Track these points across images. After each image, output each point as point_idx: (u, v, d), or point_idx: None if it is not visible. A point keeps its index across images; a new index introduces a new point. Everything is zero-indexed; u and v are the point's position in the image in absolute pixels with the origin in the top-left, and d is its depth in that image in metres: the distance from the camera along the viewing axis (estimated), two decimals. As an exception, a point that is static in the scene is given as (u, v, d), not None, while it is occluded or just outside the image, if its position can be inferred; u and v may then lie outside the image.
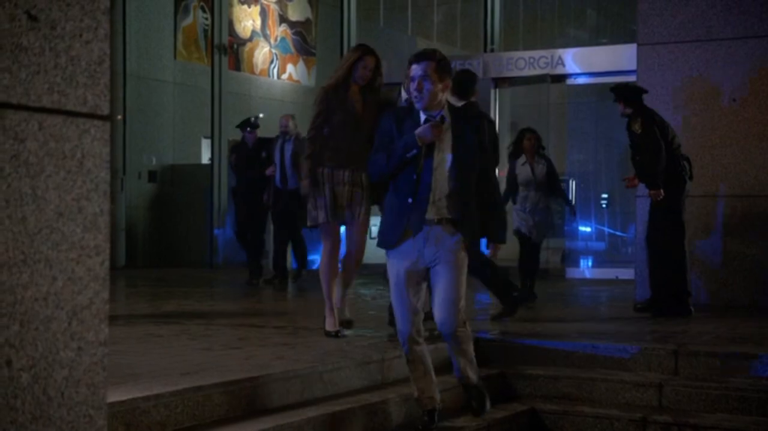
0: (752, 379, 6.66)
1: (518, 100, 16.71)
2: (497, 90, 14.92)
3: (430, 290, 5.74)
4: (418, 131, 5.30)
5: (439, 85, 5.32)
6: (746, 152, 9.57)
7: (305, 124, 7.89)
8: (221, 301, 10.91)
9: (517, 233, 10.74)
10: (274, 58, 19.62)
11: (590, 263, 16.88)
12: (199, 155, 18.55)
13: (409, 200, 5.35)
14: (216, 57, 17.98)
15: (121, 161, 16.76)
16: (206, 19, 18.27)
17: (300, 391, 5.77)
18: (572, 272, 14.81)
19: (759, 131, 10.03)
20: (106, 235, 3.01)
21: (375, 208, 7.01)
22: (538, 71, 14.11)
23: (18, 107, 2.74)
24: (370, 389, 6.20)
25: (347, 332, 7.37)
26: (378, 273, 11.59)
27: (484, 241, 6.17)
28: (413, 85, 5.32)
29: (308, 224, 7.36)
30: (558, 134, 19.96)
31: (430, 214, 5.37)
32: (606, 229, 20.04)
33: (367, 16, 19.27)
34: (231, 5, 18.51)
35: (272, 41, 19.56)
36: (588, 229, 18.77)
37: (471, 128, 5.47)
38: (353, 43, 16.11)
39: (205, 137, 18.11)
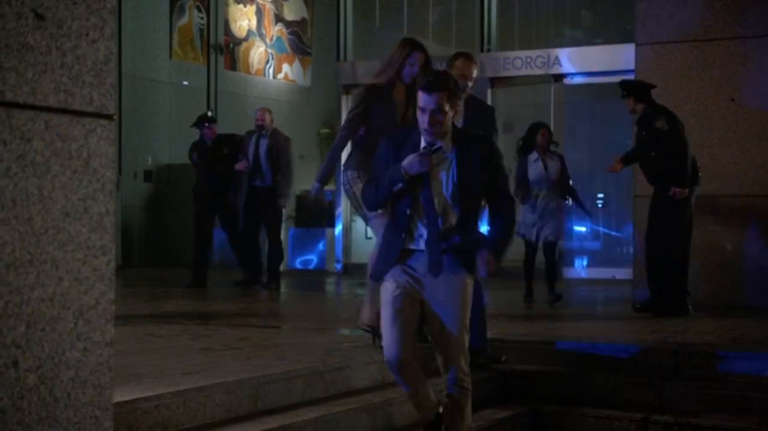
0: (753, 379, 6.66)
1: (514, 100, 16.70)
2: (494, 90, 14.90)
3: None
4: (405, 162, 4.84)
5: (450, 114, 4.88)
6: (745, 151, 9.57)
7: (301, 124, 7.78)
8: (219, 301, 10.89)
9: (522, 236, 10.33)
10: (270, 58, 19.60)
11: (586, 263, 16.88)
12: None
13: (402, 236, 4.95)
14: (212, 57, 17.96)
15: (116, 161, 16.74)
16: (202, 18, 18.24)
17: (302, 391, 5.76)
18: (569, 272, 14.80)
19: (757, 131, 10.03)
20: (112, 235, 3.00)
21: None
22: (535, 71, 14.11)
23: (24, 106, 2.73)
24: (372, 389, 6.18)
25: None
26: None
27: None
28: (425, 119, 4.81)
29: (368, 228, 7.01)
30: (554, 134, 19.94)
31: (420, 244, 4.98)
32: (601, 229, 20.04)
33: (363, 15, 19.25)
34: (227, 5, 18.49)
35: (268, 41, 19.54)
36: (583, 229, 18.76)
37: (480, 154, 4.98)
38: (349, 43, 16.11)
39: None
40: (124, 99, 16.94)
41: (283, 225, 18.13)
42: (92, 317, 2.94)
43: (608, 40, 18.56)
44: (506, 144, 17.41)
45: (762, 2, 10.19)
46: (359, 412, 5.70)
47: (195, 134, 18.06)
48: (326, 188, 7.96)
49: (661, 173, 9.29)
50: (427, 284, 4.96)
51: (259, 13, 19.29)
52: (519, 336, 7.56)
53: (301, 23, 20.16)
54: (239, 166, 12.28)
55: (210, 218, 12.53)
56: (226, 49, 18.50)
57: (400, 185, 4.86)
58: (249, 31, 19.13)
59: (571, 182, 10.66)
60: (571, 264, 15.77)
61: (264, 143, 12.29)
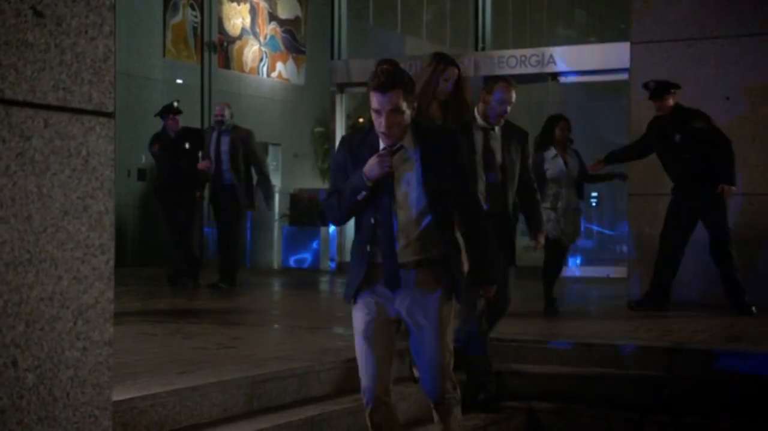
0: (749, 378, 6.66)
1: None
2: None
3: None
4: (366, 167, 4.38)
5: (408, 112, 4.39)
6: (739, 150, 9.55)
7: (295, 122, 7.69)
8: (213, 299, 10.87)
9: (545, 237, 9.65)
10: (264, 56, 19.58)
11: (580, 262, 16.88)
12: (188, 153, 18.46)
13: (368, 248, 4.47)
14: (205, 55, 17.93)
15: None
16: (195, 16, 18.22)
17: (297, 390, 5.75)
18: (564, 271, 14.78)
19: (752, 130, 10.04)
20: (111, 233, 2.99)
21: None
22: (529, 70, 14.10)
23: (23, 104, 2.72)
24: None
25: None
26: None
27: None
28: (381, 121, 4.34)
29: None
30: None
31: (403, 257, 4.45)
32: (594, 227, 20.07)
33: (356, 14, 19.24)
34: (220, 3, 18.47)
35: (262, 39, 19.52)
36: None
37: (444, 149, 4.53)
38: (343, 42, 16.09)
39: (195, 136, 18.02)
40: (117, 97, 16.90)
41: (276, 224, 18.17)
42: (91, 317, 2.92)
43: (602, 39, 18.59)
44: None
45: (756, 1, 10.19)
46: (355, 411, 5.69)
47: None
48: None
49: (702, 173, 9.19)
50: (400, 301, 4.51)
51: (253, 11, 19.27)
52: (514, 335, 7.55)
53: (294, 22, 20.14)
54: (202, 165, 11.70)
55: (179, 209, 11.89)
56: (220, 48, 18.48)
57: (363, 192, 4.40)
58: (243, 30, 19.11)
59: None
60: (566, 263, 15.75)
61: (225, 141, 11.67)
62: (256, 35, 19.36)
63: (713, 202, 9.23)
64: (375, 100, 4.34)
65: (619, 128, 14.72)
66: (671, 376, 6.82)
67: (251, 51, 19.29)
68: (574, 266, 15.71)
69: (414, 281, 4.46)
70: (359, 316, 4.56)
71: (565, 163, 9.54)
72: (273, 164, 19.80)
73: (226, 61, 18.72)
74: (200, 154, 11.82)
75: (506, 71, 14.10)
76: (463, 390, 6.04)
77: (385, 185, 4.41)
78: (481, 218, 4.69)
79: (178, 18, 18.05)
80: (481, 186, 6.38)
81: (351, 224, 4.66)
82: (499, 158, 6.48)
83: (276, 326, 8.62)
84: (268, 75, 19.77)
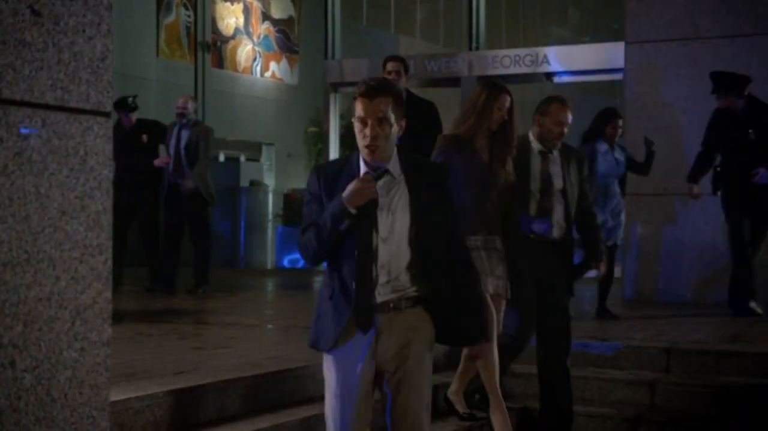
0: (744, 378, 6.66)
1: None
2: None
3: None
4: (345, 193, 3.83)
5: (396, 128, 3.90)
6: (734, 150, 9.54)
7: (289, 122, 7.60)
8: (208, 299, 10.85)
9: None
10: (257, 56, 19.56)
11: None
12: (182, 153, 18.45)
13: (353, 286, 3.89)
14: (199, 55, 17.91)
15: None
16: (189, 16, 18.20)
17: (293, 391, 5.74)
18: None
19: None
20: (109, 233, 2.98)
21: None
22: (523, 69, 14.09)
23: (21, 104, 2.71)
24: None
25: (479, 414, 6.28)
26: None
27: None
28: (365, 133, 3.86)
29: None
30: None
31: (384, 296, 3.90)
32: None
33: (350, 14, 19.24)
34: (214, 3, 18.45)
35: (255, 39, 19.50)
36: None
37: (434, 183, 4.05)
38: (337, 41, 16.04)
39: (188, 135, 18.01)
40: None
41: (270, 224, 18.14)
42: (89, 317, 2.91)
43: (595, 39, 18.61)
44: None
45: (750, 1, 10.20)
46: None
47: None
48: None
49: None
50: (382, 350, 3.94)
51: (247, 11, 19.25)
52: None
53: (288, 21, 20.13)
54: (158, 161, 11.10)
55: (140, 220, 11.30)
56: (213, 47, 18.46)
57: (345, 222, 3.85)
58: (236, 29, 19.09)
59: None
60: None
61: (185, 135, 10.91)
62: (249, 35, 19.34)
63: None
64: (360, 107, 3.87)
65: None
66: (667, 376, 6.83)
67: (245, 51, 19.27)
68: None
69: (397, 324, 3.92)
70: (336, 371, 3.97)
71: (616, 159, 9.03)
72: (267, 163, 19.79)
73: (220, 61, 18.70)
74: (163, 148, 11.22)
75: (500, 71, 14.09)
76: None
77: (368, 213, 3.87)
78: (472, 275, 4.14)
79: (172, 18, 18.03)
80: (535, 212, 6.04)
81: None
82: (559, 183, 6.08)
83: (270, 326, 8.61)
84: (262, 75, 19.75)
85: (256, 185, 17.78)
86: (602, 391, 6.79)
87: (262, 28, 19.63)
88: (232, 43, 18.96)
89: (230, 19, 18.90)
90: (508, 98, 5.86)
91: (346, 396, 3.97)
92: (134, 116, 11.44)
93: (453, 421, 6.27)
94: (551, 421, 6.30)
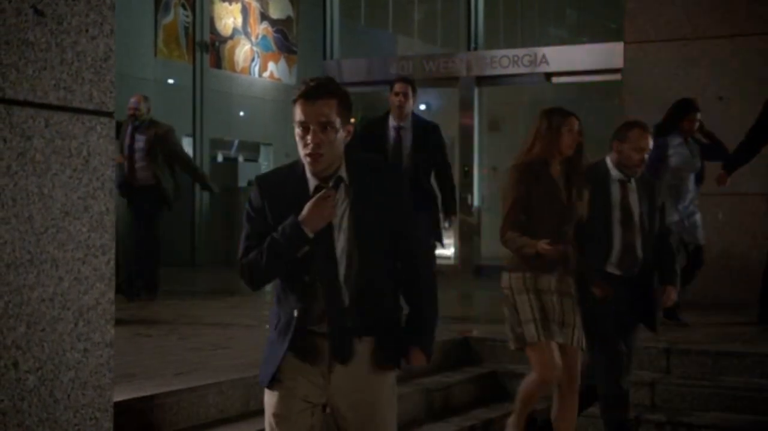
0: (744, 378, 6.66)
1: (499, 99, 16.68)
2: (480, 89, 14.88)
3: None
4: (303, 215, 3.37)
5: (343, 135, 3.45)
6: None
7: (287, 122, 7.36)
8: (205, 300, 10.83)
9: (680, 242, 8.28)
10: (256, 56, 19.54)
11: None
12: (179, 153, 18.45)
13: (295, 314, 3.49)
14: (197, 55, 17.90)
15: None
16: (187, 16, 18.18)
17: (293, 391, 5.72)
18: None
19: (745, 130, 10.03)
20: (112, 234, 2.97)
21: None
22: (522, 70, 14.08)
23: (24, 104, 2.70)
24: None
25: None
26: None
27: None
28: (307, 140, 3.39)
29: (513, 346, 5.47)
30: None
31: (343, 321, 3.49)
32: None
33: (347, 14, 19.24)
34: (212, 2, 18.43)
35: (253, 39, 19.48)
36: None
37: (382, 185, 3.55)
38: (335, 41, 16.04)
39: (187, 136, 18.02)
40: (109, 97, 16.85)
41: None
42: (92, 318, 2.90)
43: (593, 39, 18.60)
44: (494, 142, 17.44)
45: (749, 1, 10.21)
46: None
47: (180, 134, 17.97)
48: None
49: None
50: (335, 384, 3.50)
51: (245, 11, 19.24)
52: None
53: (286, 22, 20.11)
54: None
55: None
56: (212, 48, 18.45)
57: (306, 247, 3.41)
58: (234, 30, 19.07)
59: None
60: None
61: (141, 138, 10.45)
62: (247, 35, 19.32)
63: None
64: (300, 110, 3.41)
65: (611, 128, 14.70)
66: (667, 376, 6.82)
67: (243, 51, 19.25)
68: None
69: (353, 355, 3.47)
70: (277, 406, 3.52)
71: (691, 153, 8.41)
72: (265, 164, 19.79)
73: (218, 61, 18.68)
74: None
75: (499, 71, 14.10)
76: None
77: (326, 235, 3.45)
78: (427, 268, 3.66)
79: (170, 18, 18.00)
80: (617, 246, 5.62)
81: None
82: (638, 213, 5.67)
83: (268, 326, 8.59)
84: (260, 75, 19.73)
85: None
86: (603, 390, 6.77)
87: (261, 29, 19.62)
88: (230, 43, 18.94)
89: (228, 19, 18.89)
90: (576, 121, 5.41)
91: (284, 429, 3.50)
92: None
93: (454, 421, 6.28)
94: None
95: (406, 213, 3.59)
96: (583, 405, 5.81)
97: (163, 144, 10.46)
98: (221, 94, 18.58)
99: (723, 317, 8.88)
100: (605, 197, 5.61)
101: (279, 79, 20.38)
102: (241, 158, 20.07)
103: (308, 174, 3.48)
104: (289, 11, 20.29)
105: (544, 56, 14.05)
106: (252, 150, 20.17)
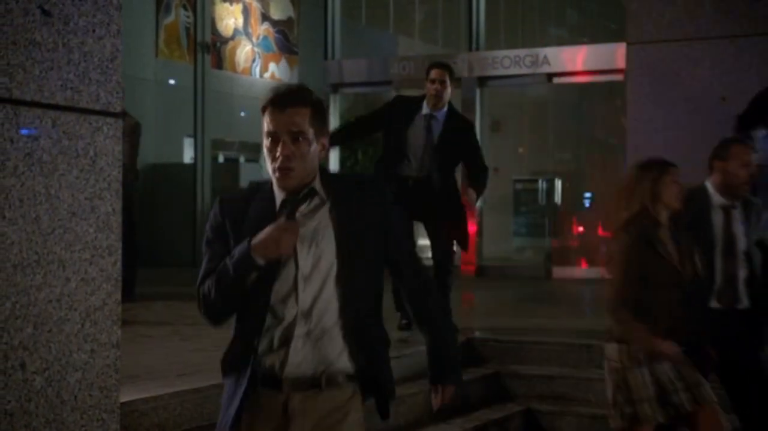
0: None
1: (501, 99, 16.69)
2: (482, 90, 14.88)
3: None
4: (257, 239, 2.96)
5: (317, 148, 3.07)
6: (735, 151, 9.54)
7: None
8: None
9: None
10: (257, 57, 19.54)
11: (574, 263, 16.89)
12: (181, 154, 18.47)
13: (255, 343, 3.01)
14: (198, 55, 17.90)
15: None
16: (188, 17, 18.18)
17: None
18: (558, 272, 14.80)
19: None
20: (118, 235, 2.96)
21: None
22: (523, 70, 14.08)
23: (31, 104, 2.69)
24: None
25: None
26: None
27: None
28: (276, 153, 3.02)
29: (616, 425, 4.86)
30: (541, 133, 19.97)
31: (300, 366, 3.01)
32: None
33: (348, 14, 19.24)
34: (213, 3, 18.43)
35: (254, 39, 19.49)
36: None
37: (368, 201, 3.15)
38: (337, 42, 16.04)
39: (188, 136, 18.03)
40: (110, 98, 16.84)
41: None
42: (99, 319, 2.90)
43: (593, 39, 18.60)
44: (495, 143, 17.43)
45: (752, 1, 10.19)
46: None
47: (181, 134, 17.98)
48: None
49: None
50: (295, 419, 3.02)
51: (246, 11, 19.24)
52: (513, 335, 7.53)
53: (287, 22, 20.12)
54: None
55: None
56: (213, 48, 18.44)
57: (254, 274, 2.98)
58: (235, 30, 19.07)
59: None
60: (561, 264, 15.76)
61: None
62: (248, 36, 19.32)
63: None
64: (269, 120, 3.03)
65: (612, 128, 14.74)
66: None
67: (244, 51, 19.26)
68: (570, 268, 15.73)
69: (313, 406, 3.02)
70: None
71: None
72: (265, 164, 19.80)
73: (219, 62, 18.68)
74: None
75: (500, 72, 14.10)
76: None
77: (276, 265, 3.02)
78: (435, 288, 3.30)
79: (171, 18, 18.01)
80: (718, 279, 5.17)
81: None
82: (742, 242, 5.21)
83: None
84: (261, 75, 19.73)
85: (255, 185, 17.78)
86: (606, 392, 6.76)
87: (262, 29, 19.62)
88: (231, 43, 18.94)
89: (229, 19, 18.89)
90: (678, 170, 4.82)
91: None
92: None
93: (456, 423, 6.27)
94: None
95: (400, 232, 3.21)
96: None
97: (129, 137, 10.06)
98: (222, 94, 18.58)
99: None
100: (706, 227, 5.16)
101: (280, 80, 20.37)
102: (242, 159, 20.07)
103: (276, 191, 3.09)
104: (290, 12, 20.29)
105: (545, 57, 14.06)
106: (253, 151, 20.17)
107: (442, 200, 7.27)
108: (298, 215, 3.03)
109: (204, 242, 3.14)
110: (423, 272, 3.27)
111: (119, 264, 2.91)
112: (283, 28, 20.22)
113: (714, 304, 5.18)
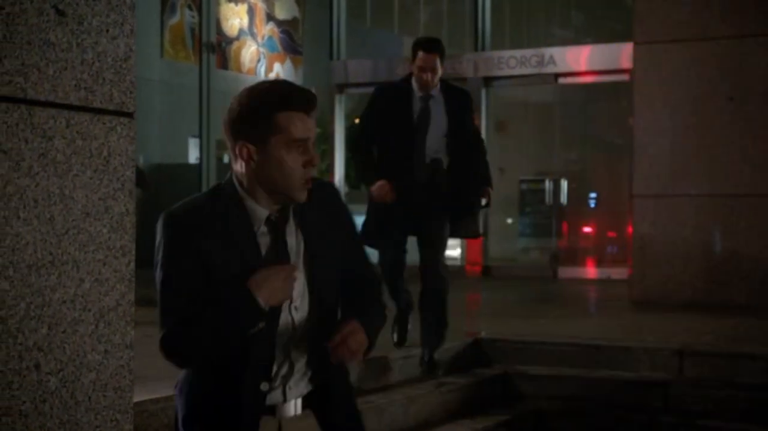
0: (760, 379, 6.63)
1: (507, 99, 16.68)
2: (487, 89, 14.87)
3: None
4: (260, 291, 2.74)
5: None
6: (743, 151, 9.55)
7: None
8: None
9: None
10: (261, 57, 19.56)
11: (581, 264, 16.88)
12: (186, 154, 18.48)
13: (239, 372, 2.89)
14: (203, 55, 17.91)
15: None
16: (193, 17, 18.20)
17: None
18: (563, 273, 14.79)
19: (756, 130, 10.02)
20: (132, 235, 2.95)
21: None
22: (529, 70, 14.07)
23: (46, 104, 2.68)
24: (375, 391, 6.13)
25: None
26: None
27: None
28: (304, 163, 2.82)
29: None
30: (547, 133, 19.96)
31: (284, 393, 2.91)
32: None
33: (352, 14, 19.24)
34: (218, 3, 18.44)
35: (259, 40, 19.51)
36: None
37: (326, 203, 2.94)
38: (342, 42, 16.03)
39: (193, 137, 18.04)
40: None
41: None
42: (113, 319, 2.89)
43: (598, 40, 18.60)
44: (501, 143, 17.42)
45: (759, 1, 10.18)
46: (364, 413, 5.65)
47: (186, 134, 17.98)
48: None
49: None
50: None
51: (251, 12, 19.25)
52: (521, 336, 7.53)
53: (292, 22, 20.13)
54: None
55: None
56: (218, 48, 18.45)
57: (261, 323, 2.78)
58: (240, 30, 19.09)
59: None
60: (567, 264, 15.75)
61: None
62: (253, 36, 19.33)
63: None
64: (298, 125, 2.80)
65: (618, 129, 14.71)
66: (680, 377, 6.80)
67: (249, 52, 19.27)
68: (576, 268, 15.72)
69: None
70: None
71: None
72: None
73: (224, 62, 18.69)
74: None
75: (506, 72, 14.11)
76: None
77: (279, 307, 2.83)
78: (378, 293, 3.06)
79: (176, 19, 18.03)
80: None
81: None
82: None
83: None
84: (266, 76, 19.74)
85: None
86: (614, 392, 6.77)
87: (267, 29, 19.63)
88: (236, 44, 18.96)
89: (234, 20, 18.90)
90: None
91: None
92: None
93: (465, 424, 6.26)
94: None
95: (354, 233, 3.03)
96: None
97: None
98: (227, 95, 18.50)
99: (733, 319, 8.85)
100: None
101: (285, 80, 20.34)
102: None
103: (250, 204, 2.83)
104: (295, 12, 20.30)
105: (551, 57, 14.05)
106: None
107: (456, 192, 6.53)
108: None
109: (160, 277, 2.87)
110: (372, 270, 3.07)
111: (133, 265, 2.91)
112: (288, 29, 20.23)
113: None
